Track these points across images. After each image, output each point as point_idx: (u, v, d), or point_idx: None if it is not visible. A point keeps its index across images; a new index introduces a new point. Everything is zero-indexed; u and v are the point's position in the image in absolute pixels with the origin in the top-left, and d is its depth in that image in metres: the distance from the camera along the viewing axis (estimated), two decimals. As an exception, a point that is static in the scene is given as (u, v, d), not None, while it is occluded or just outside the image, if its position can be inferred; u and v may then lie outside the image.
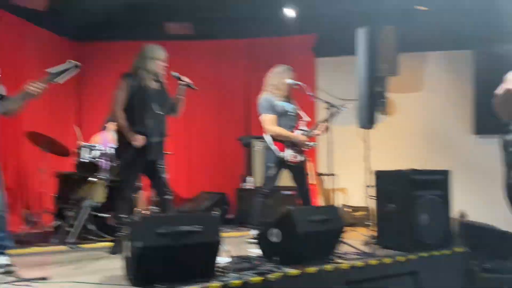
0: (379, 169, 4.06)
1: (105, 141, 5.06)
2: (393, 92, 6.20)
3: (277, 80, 4.25)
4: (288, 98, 4.33)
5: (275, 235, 3.16)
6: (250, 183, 5.75)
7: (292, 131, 4.21)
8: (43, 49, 5.93)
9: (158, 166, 3.80)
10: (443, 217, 3.78)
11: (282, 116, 4.21)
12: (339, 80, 6.13)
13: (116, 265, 2.92)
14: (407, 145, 6.14)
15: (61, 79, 3.02)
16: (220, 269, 2.81)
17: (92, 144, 4.82)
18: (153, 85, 3.79)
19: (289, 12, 5.92)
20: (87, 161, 4.63)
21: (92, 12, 6.18)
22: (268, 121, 4.14)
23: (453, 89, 6.19)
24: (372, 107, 4.26)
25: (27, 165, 5.47)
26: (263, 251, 3.28)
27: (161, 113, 3.76)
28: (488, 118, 5.87)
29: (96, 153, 4.70)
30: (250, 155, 5.85)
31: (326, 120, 4.26)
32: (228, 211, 6.03)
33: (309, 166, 5.97)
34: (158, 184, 3.87)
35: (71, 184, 4.75)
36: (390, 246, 3.71)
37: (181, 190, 6.27)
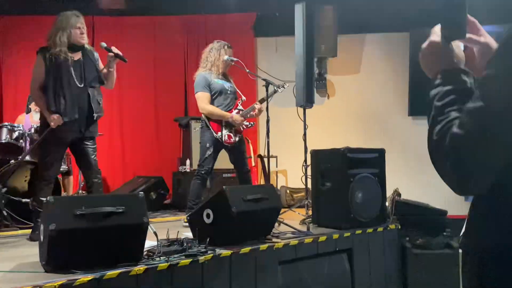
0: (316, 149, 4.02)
1: (27, 122, 4.70)
2: (331, 74, 6.23)
3: (214, 57, 4.09)
4: (225, 76, 4.19)
5: (208, 216, 3.02)
6: (187, 166, 5.56)
7: (230, 111, 4.09)
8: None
9: (85, 146, 3.53)
10: (378, 195, 3.80)
11: (219, 95, 4.06)
12: (279, 61, 6.07)
13: (34, 252, 2.66)
14: (345, 126, 6.19)
15: None
16: (146, 253, 2.64)
17: (13, 124, 4.43)
18: (72, 56, 3.45)
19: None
20: (5, 142, 4.25)
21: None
22: (201, 98, 3.99)
23: (390, 71, 6.30)
24: (310, 87, 4.19)
25: None
26: (196, 233, 3.13)
27: (81, 86, 3.43)
28: (423, 100, 6.08)
29: (17, 134, 4.33)
30: (187, 136, 5.65)
31: (263, 100, 4.16)
32: (165, 196, 5.82)
33: (249, 148, 5.93)
34: (86, 166, 3.59)
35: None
36: (326, 224, 3.69)
37: (115, 174, 5.99)
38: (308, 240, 3.22)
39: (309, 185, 3.99)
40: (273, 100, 4.25)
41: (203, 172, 4.03)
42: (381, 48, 6.32)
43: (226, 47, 4.15)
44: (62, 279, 2.14)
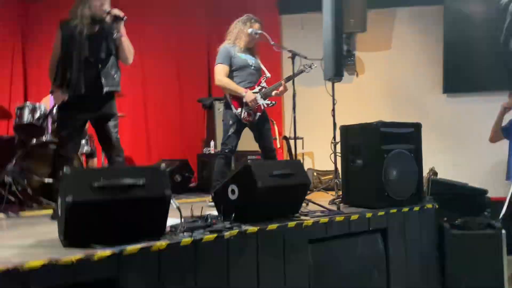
0: (345, 127, 3.80)
1: (51, 103, 4.63)
2: (360, 50, 5.97)
3: (238, 28, 3.93)
4: (251, 52, 4.01)
5: (233, 192, 2.87)
6: (212, 147, 5.42)
7: (252, 87, 3.91)
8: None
9: (105, 122, 3.39)
10: (414, 173, 3.57)
11: (240, 70, 3.90)
12: (305, 39, 5.83)
13: (54, 229, 2.55)
14: (375, 105, 5.93)
15: None
16: (169, 229, 2.50)
17: (34, 103, 4.36)
18: (90, 30, 3.27)
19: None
20: (27, 122, 4.19)
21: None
22: (218, 70, 3.84)
23: (423, 46, 5.98)
24: (339, 59, 3.97)
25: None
26: (220, 210, 2.98)
27: (92, 60, 3.25)
28: (459, 77, 5.81)
29: (40, 113, 4.27)
30: (211, 117, 5.51)
31: (289, 78, 3.98)
32: (190, 179, 5.71)
33: (274, 130, 5.75)
34: (106, 144, 3.46)
35: (10, 149, 4.30)
36: (357, 204, 3.48)
37: (139, 157, 5.90)
38: (339, 218, 3.04)
39: (338, 164, 3.78)
40: (299, 79, 4.05)
41: (227, 151, 3.89)
42: (413, 23, 6.00)
43: (252, 20, 3.99)
44: (80, 253, 2.02)
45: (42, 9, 6.15)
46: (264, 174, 2.82)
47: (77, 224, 2.17)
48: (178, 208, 2.52)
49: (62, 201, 2.21)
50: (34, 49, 6.11)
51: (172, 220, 2.59)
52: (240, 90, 3.84)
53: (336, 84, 4.29)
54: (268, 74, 4.04)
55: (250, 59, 3.96)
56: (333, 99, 3.90)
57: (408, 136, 3.62)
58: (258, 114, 3.91)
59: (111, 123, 3.40)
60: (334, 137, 3.83)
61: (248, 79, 3.92)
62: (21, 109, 4.28)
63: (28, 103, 4.34)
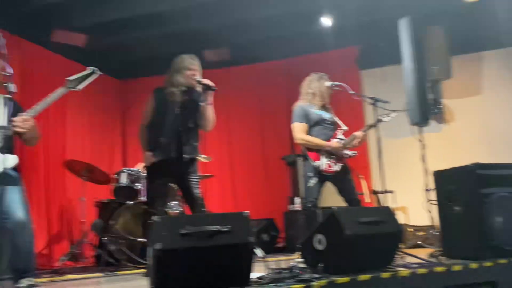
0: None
1: (145, 167, 4.94)
2: (447, 98, 5.73)
3: (315, 87, 3.99)
4: (325, 108, 4.04)
5: (320, 242, 2.76)
6: (298, 204, 5.35)
7: (329, 140, 3.87)
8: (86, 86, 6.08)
9: (188, 180, 3.45)
10: (522, 218, 3.19)
11: (318, 125, 3.91)
12: (387, 91, 5.69)
13: (145, 284, 2.63)
14: (469, 152, 5.49)
15: (81, 86, 2.95)
16: (255, 279, 2.45)
17: (131, 169, 4.69)
18: (181, 98, 3.46)
19: (326, 21, 5.65)
20: (124, 185, 4.49)
21: (132, 49, 6.34)
22: (297, 129, 3.87)
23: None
24: (424, 102, 3.83)
25: (70, 195, 5.43)
26: (307, 261, 2.87)
27: (181, 128, 3.41)
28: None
29: (134, 177, 4.57)
30: (295, 174, 5.49)
31: (369, 127, 3.90)
32: (277, 238, 5.63)
33: (362, 184, 5.56)
34: (190, 199, 3.50)
35: (110, 211, 4.60)
36: (459, 255, 3.15)
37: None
38: (439, 269, 2.76)
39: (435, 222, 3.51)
40: (384, 131, 3.95)
41: (309, 205, 3.79)
42: (502, 64, 5.67)
43: (324, 76, 4.06)
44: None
45: (137, 84, 6.78)
46: (351, 222, 2.70)
47: (166, 270, 2.20)
48: (263, 257, 2.48)
49: (152, 248, 2.27)
50: (131, 120, 6.68)
51: (257, 273, 2.55)
52: (323, 143, 3.82)
53: (425, 134, 4.12)
54: (344, 127, 3.99)
55: (325, 114, 3.97)
56: (422, 145, 3.70)
57: (511, 178, 3.28)
58: (339, 165, 3.83)
59: (194, 182, 3.49)
60: (427, 184, 3.59)
61: (324, 133, 3.90)
62: (119, 174, 4.62)
63: (125, 168, 4.68)
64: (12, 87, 2.51)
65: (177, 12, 5.30)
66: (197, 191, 3.48)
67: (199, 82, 3.41)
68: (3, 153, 2.65)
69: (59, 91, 2.89)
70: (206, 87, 3.38)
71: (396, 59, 5.22)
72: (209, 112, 3.49)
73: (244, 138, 6.35)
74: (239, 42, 6.22)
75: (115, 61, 6.50)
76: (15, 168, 2.84)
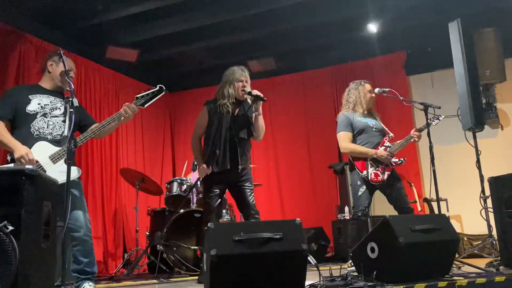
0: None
1: (194, 178, 5.07)
2: (502, 102, 5.53)
3: (355, 95, 3.98)
4: (371, 114, 4.00)
5: (373, 250, 2.73)
6: (346, 213, 5.29)
7: (376, 148, 3.82)
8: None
9: (242, 188, 3.53)
10: None
11: (364, 132, 3.88)
12: (436, 96, 5.60)
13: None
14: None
15: (147, 103, 3.08)
16: (308, 286, 2.46)
17: (182, 178, 4.83)
18: (232, 109, 3.51)
19: (373, 28, 5.60)
20: (176, 194, 4.62)
21: (179, 62, 6.55)
22: (342, 138, 3.86)
23: None
24: (478, 110, 3.70)
25: (124, 204, 5.65)
26: (360, 270, 2.84)
27: (235, 139, 3.47)
28: None
29: (186, 186, 4.69)
30: (343, 182, 5.45)
31: (421, 129, 3.84)
32: (327, 248, 5.58)
33: (412, 192, 5.43)
34: (244, 207, 3.57)
35: (162, 219, 4.74)
36: (520, 265, 3.02)
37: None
38: (499, 278, 2.65)
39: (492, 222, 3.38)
40: (435, 138, 3.85)
41: (359, 214, 3.75)
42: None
43: (363, 82, 4.04)
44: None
45: (186, 96, 6.98)
46: (405, 229, 2.65)
47: (221, 276, 2.25)
48: (316, 265, 2.48)
49: (207, 255, 2.33)
50: (181, 131, 6.89)
51: (310, 281, 2.55)
52: (369, 151, 3.79)
53: (479, 139, 4.00)
54: (391, 134, 3.94)
55: (371, 121, 3.93)
56: (477, 150, 3.59)
57: None
58: (387, 173, 3.77)
59: (247, 188, 3.56)
60: (483, 191, 3.47)
61: (371, 141, 3.86)
62: (171, 183, 4.76)
63: (177, 178, 4.82)
64: (75, 101, 2.67)
65: (221, 24, 5.43)
66: (252, 199, 3.54)
67: (249, 93, 3.46)
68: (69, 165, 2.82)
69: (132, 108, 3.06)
70: (257, 98, 3.43)
71: (444, 63, 5.11)
72: (260, 122, 3.55)
73: (291, 146, 6.38)
74: (284, 51, 6.29)
75: (164, 74, 6.74)
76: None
